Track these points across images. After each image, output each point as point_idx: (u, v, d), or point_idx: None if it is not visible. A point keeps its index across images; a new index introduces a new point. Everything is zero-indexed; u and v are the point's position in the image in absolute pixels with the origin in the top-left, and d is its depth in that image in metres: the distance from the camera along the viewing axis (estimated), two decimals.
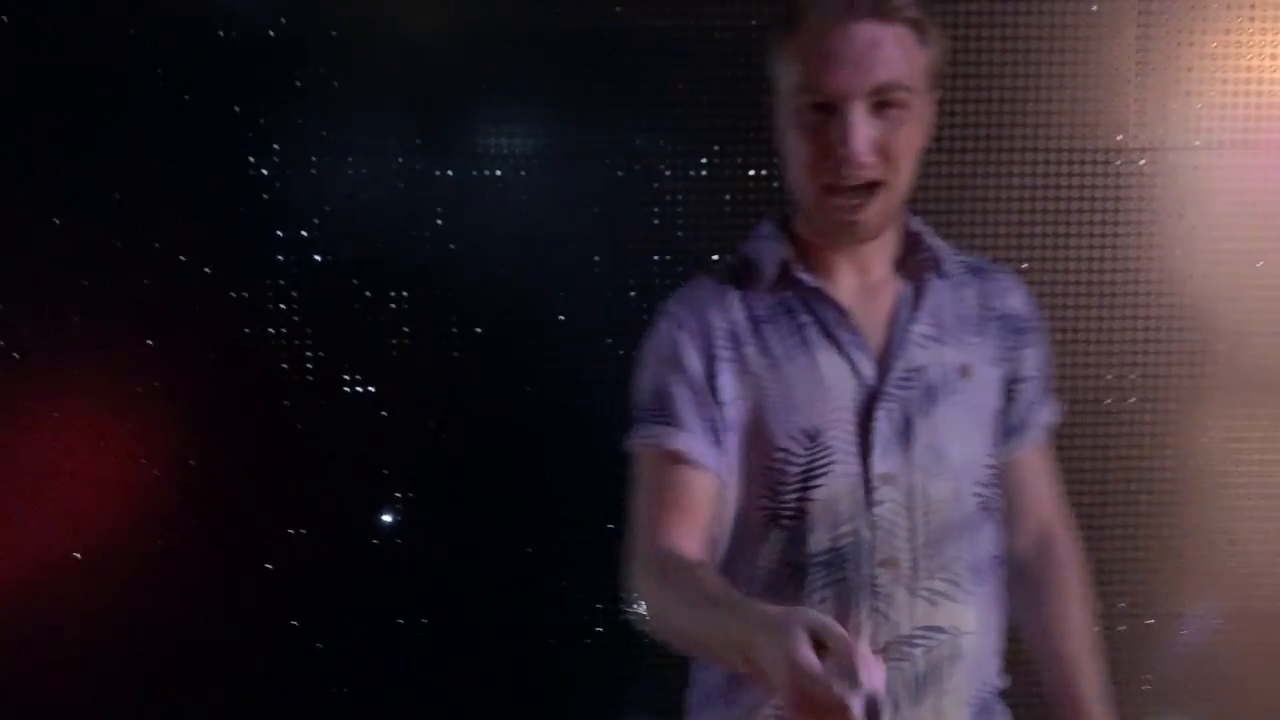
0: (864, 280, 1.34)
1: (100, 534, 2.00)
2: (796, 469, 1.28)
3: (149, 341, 1.96)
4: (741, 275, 1.36)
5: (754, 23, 1.91)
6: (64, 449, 1.98)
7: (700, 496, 1.28)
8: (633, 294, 1.97)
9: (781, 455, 1.28)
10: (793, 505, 1.28)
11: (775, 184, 1.94)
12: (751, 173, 1.95)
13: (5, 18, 1.88)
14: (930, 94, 1.27)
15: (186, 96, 1.91)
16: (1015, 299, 1.40)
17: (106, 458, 1.98)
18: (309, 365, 1.97)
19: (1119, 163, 1.96)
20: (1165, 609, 2.07)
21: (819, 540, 1.27)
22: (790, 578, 1.29)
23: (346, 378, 1.97)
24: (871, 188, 1.23)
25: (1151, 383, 2.01)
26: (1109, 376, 2.01)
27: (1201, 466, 2.04)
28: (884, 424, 1.28)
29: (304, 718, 2.07)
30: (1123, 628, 2.07)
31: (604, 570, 2.03)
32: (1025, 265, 1.98)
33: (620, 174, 1.95)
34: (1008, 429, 1.41)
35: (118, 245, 1.93)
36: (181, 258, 1.94)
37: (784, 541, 1.29)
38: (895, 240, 1.36)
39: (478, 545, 2.02)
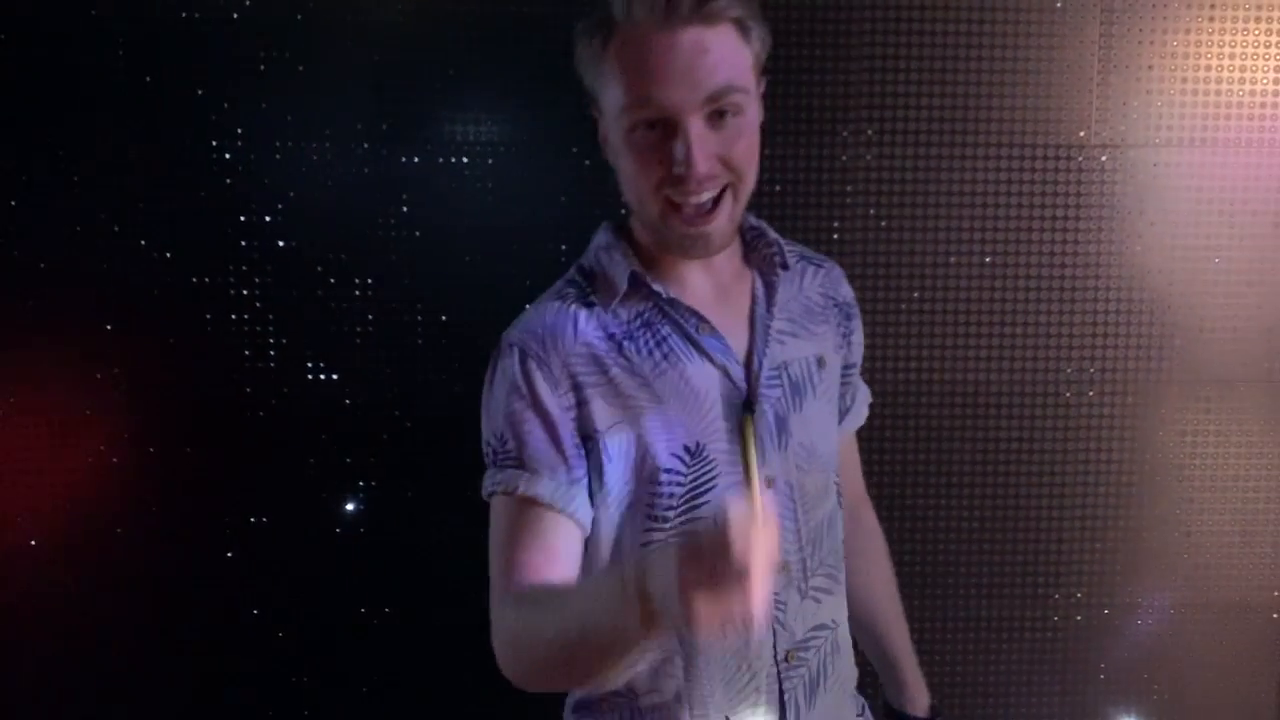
0: (716, 282, 1.29)
1: (58, 521, 1.98)
2: (682, 489, 1.21)
3: (108, 327, 1.93)
4: (588, 291, 1.28)
5: None
6: (20, 435, 1.95)
7: (559, 543, 1.19)
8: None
9: (667, 477, 1.21)
10: (680, 529, 1.21)
11: None
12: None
13: None
14: (759, 85, 1.20)
15: (148, 79, 1.88)
16: (844, 286, 1.43)
17: (64, 444, 1.96)
18: (271, 352, 1.95)
19: (1080, 159, 1.99)
20: (1121, 600, 2.11)
21: None
22: None
23: (309, 365, 1.96)
24: (718, 199, 1.17)
25: (1110, 376, 2.04)
26: (1068, 370, 2.04)
27: (1158, 459, 2.07)
28: (765, 421, 1.25)
29: (265, 707, 2.06)
30: (1079, 618, 2.10)
31: None
32: (988, 259, 2.00)
33: (588, 163, 1.94)
34: (840, 412, 1.44)
35: (77, 229, 1.90)
36: (142, 242, 1.91)
37: None
38: (739, 237, 1.34)
39: (441, 535, 2.02)
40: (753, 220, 1.35)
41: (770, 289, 1.31)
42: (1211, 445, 2.07)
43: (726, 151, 1.14)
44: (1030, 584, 2.09)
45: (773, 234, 1.34)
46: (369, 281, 1.95)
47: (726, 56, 1.12)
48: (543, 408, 1.21)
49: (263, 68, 1.89)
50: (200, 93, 1.89)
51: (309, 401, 1.96)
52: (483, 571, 2.03)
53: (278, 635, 2.03)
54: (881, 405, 1.99)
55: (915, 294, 2.00)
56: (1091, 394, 2.05)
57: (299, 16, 1.88)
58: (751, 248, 1.34)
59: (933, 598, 2.08)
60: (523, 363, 1.22)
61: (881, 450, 2.03)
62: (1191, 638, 2.12)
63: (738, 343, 1.27)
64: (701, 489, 1.22)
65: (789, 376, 1.28)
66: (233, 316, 1.94)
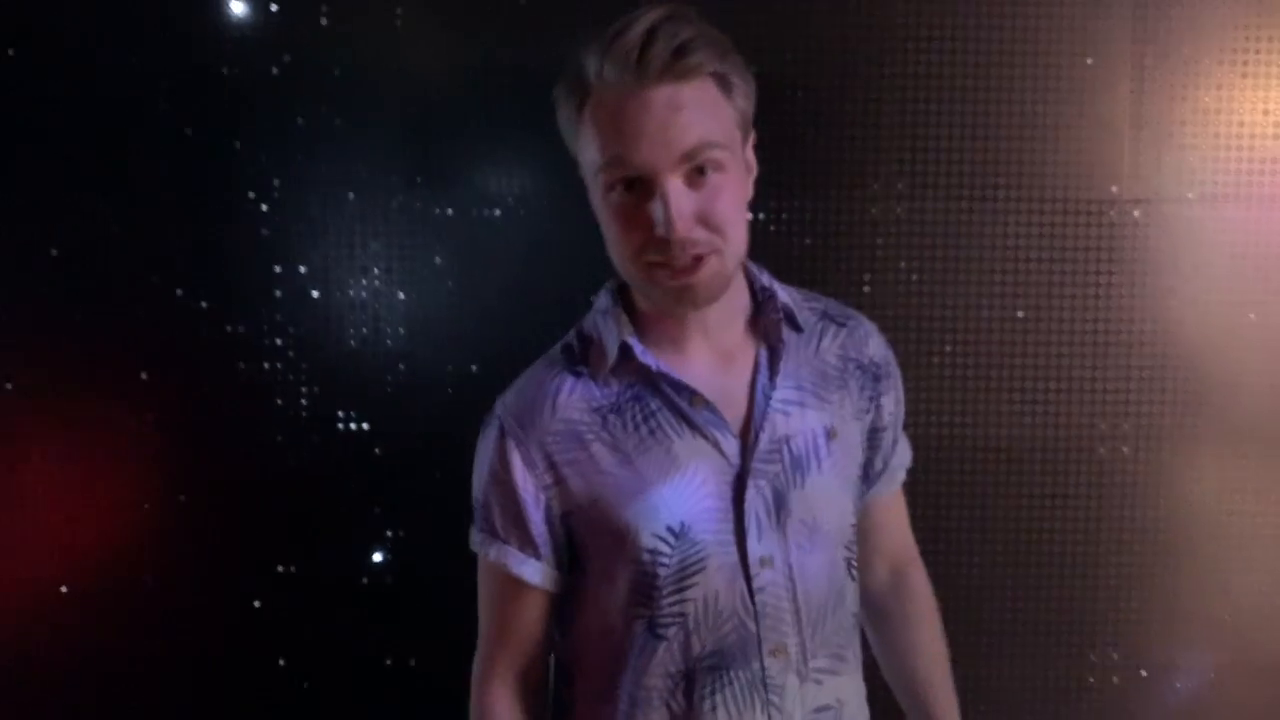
0: (715, 348, 1.24)
1: (89, 568, 1.99)
2: (668, 571, 1.18)
3: (142, 375, 1.95)
4: (582, 358, 1.26)
5: (755, 70, 1.93)
6: (55, 482, 1.96)
7: (525, 614, 1.26)
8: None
9: (650, 558, 1.18)
10: (670, 609, 1.19)
11: (772, 228, 1.95)
12: (749, 217, 1.95)
13: (10, 51, 1.89)
14: (747, 141, 1.18)
15: (188, 131, 1.91)
16: (873, 345, 1.34)
17: (98, 491, 1.97)
18: (303, 401, 1.96)
19: (1113, 214, 1.98)
20: (1159, 660, 2.06)
21: (703, 642, 1.19)
22: (676, 688, 1.20)
23: (340, 414, 1.97)
24: (699, 258, 1.13)
25: (1145, 432, 2.02)
26: (1102, 426, 2.01)
27: (1195, 517, 2.04)
28: (756, 503, 1.19)
29: None
30: (1115, 679, 2.06)
31: None
32: (1020, 313, 1.99)
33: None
34: (870, 476, 1.36)
35: (115, 279, 1.93)
36: (178, 291, 1.94)
37: (666, 651, 1.20)
38: (744, 299, 1.27)
39: (468, 587, 2.00)
40: (765, 281, 1.28)
41: (775, 356, 1.24)
42: (1250, 503, 2.04)
43: (707, 209, 1.11)
44: (1065, 644, 2.06)
45: (784, 296, 1.27)
46: (400, 332, 1.96)
47: (702, 112, 1.09)
48: (514, 487, 1.22)
49: (300, 121, 1.92)
50: (238, 145, 1.92)
51: (339, 451, 1.97)
52: None
53: (304, 685, 2.02)
54: (913, 459, 1.98)
55: (947, 348, 1.99)
56: (1126, 450, 2.02)
57: (336, 72, 1.91)
58: (760, 310, 1.28)
59: (965, 657, 2.04)
60: (501, 439, 1.24)
61: (913, 505, 2.00)
62: (1232, 700, 2.08)
63: (735, 414, 1.22)
64: (690, 570, 1.19)
65: (790, 450, 1.22)
66: (265, 365, 1.96)
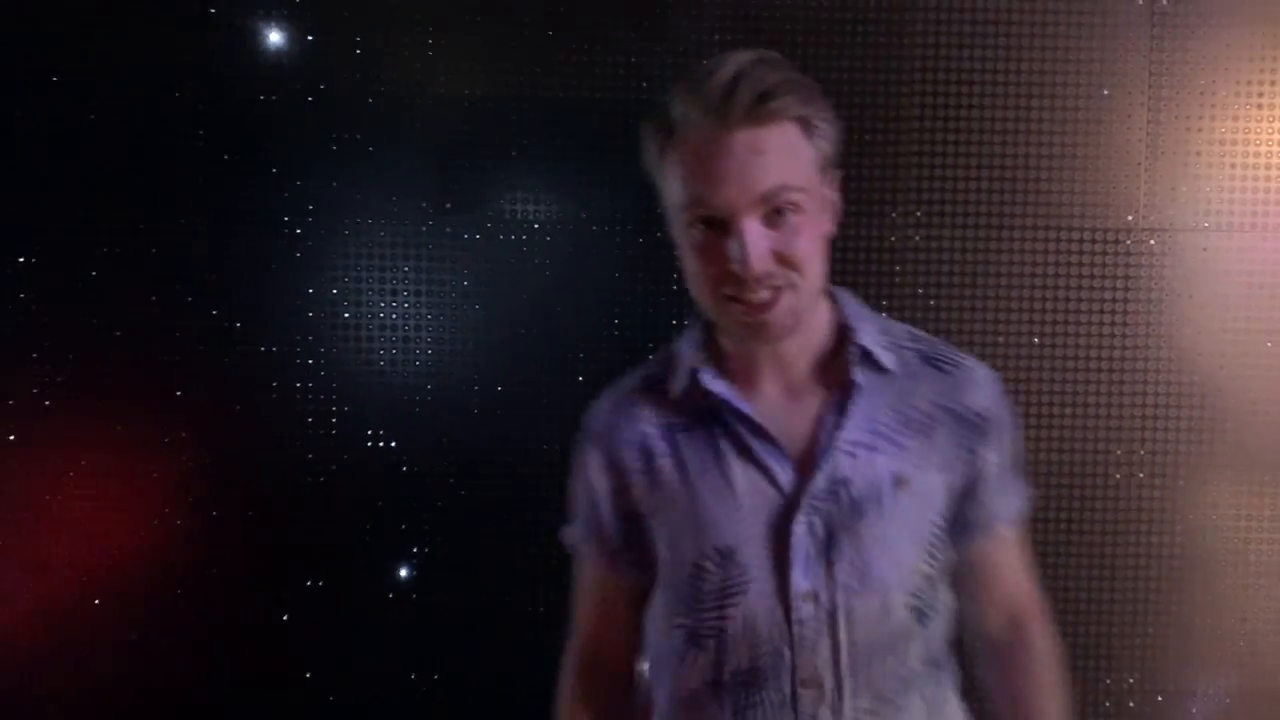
0: (787, 381, 1.24)
1: (121, 582, 2.03)
2: (712, 587, 1.21)
3: (177, 393, 2.00)
4: (662, 377, 1.28)
5: None
6: (90, 497, 2.01)
7: (600, 604, 1.35)
8: (650, 357, 2.01)
9: (695, 573, 1.22)
10: (711, 623, 1.22)
11: None
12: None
13: (55, 78, 1.95)
14: (828, 180, 1.18)
15: (225, 156, 1.97)
16: (978, 395, 1.25)
17: (132, 506, 2.02)
18: (333, 419, 2.01)
19: (1129, 242, 2.01)
20: (1175, 686, 2.07)
21: (738, 659, 1.21)
22: (712, 698, 1.23)
23: (369, 432, 2.01)
24: (775, 294, 1.14)
25: (1160, 460, 2.03)
26: (1118, 453, 2.03)
27: (1211, 544, 2.05)
28: (803, 538, 1.19)
29: None
30: (1132, 704, 2.07)
31: None
32: (1036, 340, 2.01)
33: (641, 240, 2.00)
34: (966, 525, 1.28)
35: (152, 299, 1.98)
36: (213, 311, 1.99)
37: (703, 660, 1.23)
38: (823, 335, 1.26)
39: (493, 602, 2.04)
40: (850, 317, 1.25)
41: (846, 393, 1.22)
42: (1266, 530, 2.05)
43: (785, 249, 1.13)
44: (1081, 669, 2.07)
45: (866, 335, 1.24)
46: (429, 353, 2.00)
47: (783, 156, 1.12)
48: (592, 487, 1.31)
49: (334, 146, 1.97)
50: (274, 170, 1.97)
51: (368, 468, 2.01)
52: (534, 642, 2.06)
53: (329, 699, 2.05)
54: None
55: None
56: (1141, 476, 2.04)
57: (369, 100, 1.96)
58: (838, 346, 1.25)
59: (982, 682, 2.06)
60: (586, 443, 1.32)
61: None
62: None
63: (798, 448, 1.20)
64: (731, 590, 1.21)
65: (850, 492, 1.20)
66: (297, 384, 2.00)
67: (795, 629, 1.19)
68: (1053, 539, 2.04)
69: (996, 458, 1.27)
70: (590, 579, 1.37)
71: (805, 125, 1.15)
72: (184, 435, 2.00)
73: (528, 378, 2.01)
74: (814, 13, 1.97)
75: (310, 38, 1.95)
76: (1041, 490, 2.04)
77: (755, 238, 1.11)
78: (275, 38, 1.95)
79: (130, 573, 2.03)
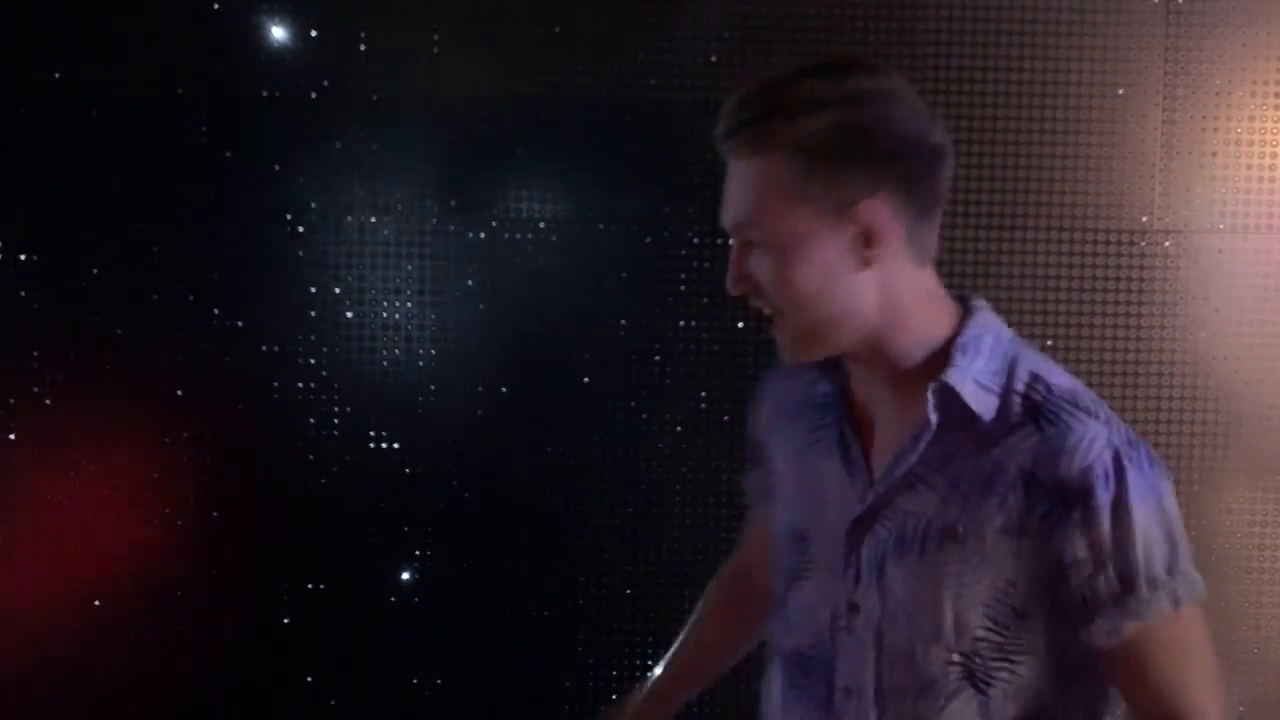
0: (877, 390, 1.20)
1: (122, 582, 2.01)
2: (786, 563, 1.25)
3: (178, 392, 1.98)
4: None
5: None
6: (91, 497, 2.00)
7: (760, 529, 1.41)
8: (657, 359, 1.99)
9: (774, 545, 1.29)
10: (782, 595, 1.26)
11: None
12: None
13: (56, 74, 1.94)
14: (830, 208, 1.10)
15: (228, 153, 1.95)
16: (1068, 464, 1.09)
17: (133, 507, 2.00)
18: (335, 420, 1.99)
19: (1144, 244, 1.98)
20: None
21: (795, 640, 1.23)
22: (778, 666, 1.27)
23: (371, 434, 1.99)
24: (775, 314, 1.15)
25: (1175, 464, 2.01)
26: None
27: (1225, 550, 2.03)
28: (869, 551, 1.16)
29: None
30: None
31: (621, 632, 2.03)
32: (1050, 342, 1.99)
33: (648, 240, 1.98)
34: (1070, 615, 1.14)
35: (154, 297, 1.97)
36: (215, 310, 1.97)
37: (774, 627, 1.29)
38: (920, 359, 1.17)
39: (495, 605, 2.02)
40: (963, 348, 1.14)
41: (921, 429, 1.15)
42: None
43: (756, 279, 1.13)
44: None
45: (963, 373, 1.13)
46: (432, 353, 1.99)
47: (752, 191, 1.10)
48: (751, 431, 1.40)
49: (338, 145, 1.95)
50: (277, 168, 1.96)
51: (369, 470, 2.00)
52: (537, 645, 2.04)
53: (330, 703, 2.04)
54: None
55: None
56: None
57: (374, 97, 1.95)
58: (924, 382, 1.17)
59: None
60: (756, 395, 1.40)
61: None
62: None
63: (880, 461, 1.18)
64: (798, 573, 1.22)
65: (899, 526, 1.16)
66: (299, 384, 1.98)
67: (838, 636, 1.19)
68: None
69: (1086, 543, 1.09)
70: (751, 509, 1.46)
71: (793, 156, 1.09)
72: (185, 435, 1.99)
73: (532, 379, 1.99)
74: (824, 10, 1.94)
75: (314, 34, 1.94)
76: None
77: (731, 261, 1.15)
78: (278, 34, 1.94)
79: (131, 573, 2.01)
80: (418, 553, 2.01)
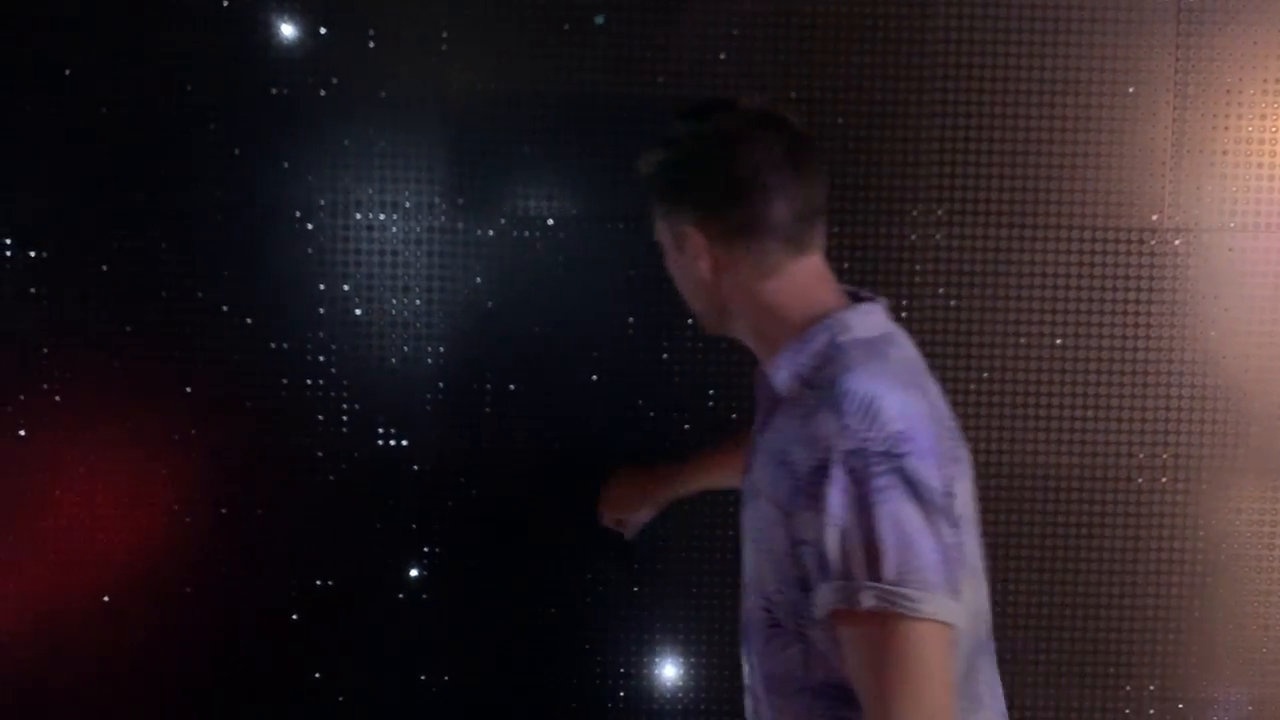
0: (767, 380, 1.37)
1: (131, 579, 2.02)
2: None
3: (187, 389, 1.99)
4: None
5: (793, 95, 1.95)
6: (100, 494, 2.00)
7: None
8: (665, 356, 1.99)
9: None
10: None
11: None
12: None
13: (67, 70, 1.94)
14: (679, 243, 1.34)
15: (237, 150, 1.95)
16: (808, 455, 1.18)
17: (140, 503, 2.00)
18: (344, 417, 1.99)
19: (1154, 242, 1.97)
20: (1196, 695, 2.04)
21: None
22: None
23: (380, 431, 1.99)
24: None
25: (1183, 463, 2.00)
26: (1140, 456, 2.00)
27: (1234, 550, 2.02)
28: (742, 520, 1.38)
29: None
30: (1152, 712, 2.04)
31: (629, 630, 2.03)
32: (1059, 341, 1.98)
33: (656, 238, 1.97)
34: (802, 582, 1.22)
35: (163, 295, 1.97)
36: (225, 308, 1.97)
37: None
38: (765, 354, 1.33)
39: (503, 602, 2.02)
40: (797, 342, 1.28)
41: (766, 409, 1.36)
42: None
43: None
44: (1101, 675, 2.04)
45: (777, 360, 1.29)
46: (440, 350, 1.99)
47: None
48: None
49: (345, 142, 1.95)
50: (286, 166, 1.95)
51: (378, 467, 2.00)
52: (545, 643, 2.04)
53: (338, 699, 2.04)
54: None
55: (985, 374, 1.99)
56: (1164, 480, 2.01)
57: (381, 94, 1.95)
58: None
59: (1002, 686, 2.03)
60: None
61: None
62: None
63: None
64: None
65: (747, 486, 1.35)
66: (308, 381, 1.98)
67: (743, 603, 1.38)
68: (1073, 542, 2.02)
69: (811, 530, 1.17)
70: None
71: (647, 186, 1.39)
72: (193, 432, 1.99)
73: (541, 376, 1.99)
74: (833, 7, 1.94)
75: (323, 31, 1.94)
76: (1063, 493, 2.01)
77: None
78: (287, 31, 1.93)
79: (139, 570, 2.02)
80: (426, 549, 2.01)
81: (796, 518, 1.19)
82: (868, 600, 1.13)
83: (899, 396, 1.19)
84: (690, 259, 1.33)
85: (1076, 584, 2.02)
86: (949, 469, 1.20)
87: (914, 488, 1.15)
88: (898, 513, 1.13)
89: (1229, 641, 2.04)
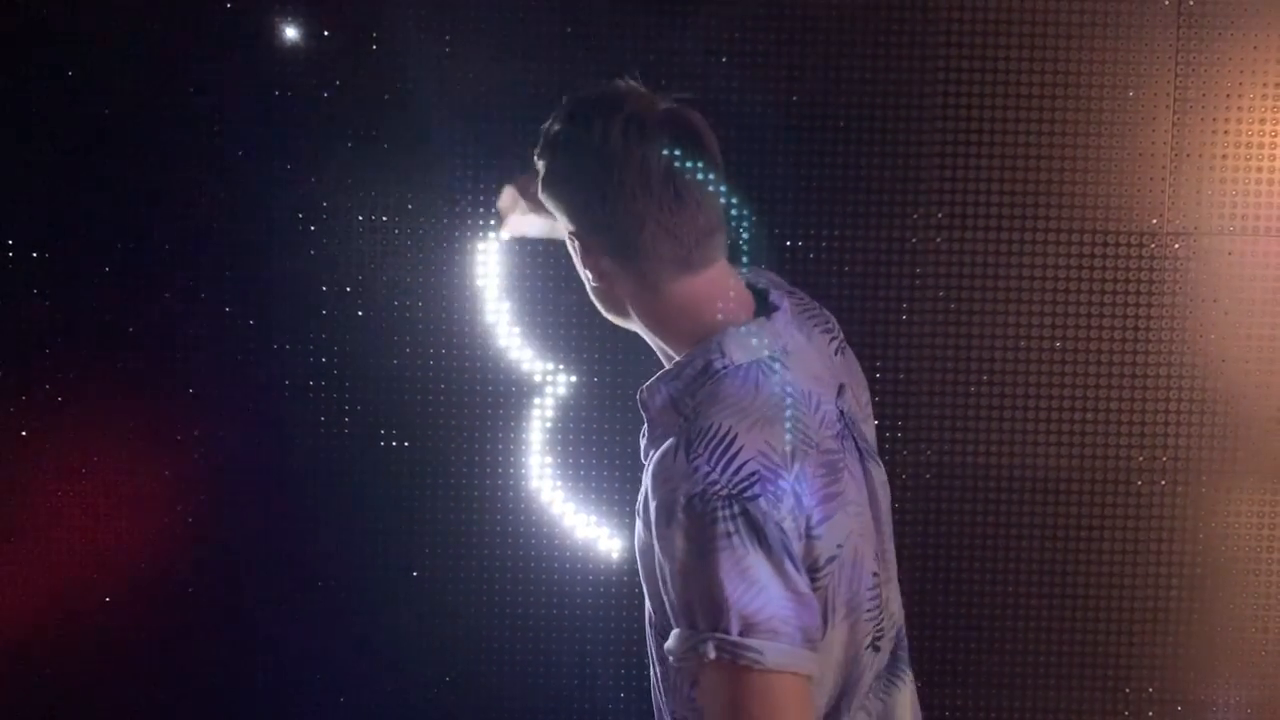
0: None
1: (131, 580, 2.03)
2: None
3: (190, 390, 1.99)
4: None
5: (795, 99, 1.95)
6: (102, 494, 2.01)
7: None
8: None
9: None
10: None
11: (811, 255, 1.97)
12: (789, 244, 1.98)
13: (70, 72, 1.94)
14: (571, 244, 1.25)
15: (241, 153, 1.96)
16: (650, 492, 1.15)
17: (142, 505, 2.01)
18: (346, 419, 2.00)
19: (1153, 246, 1.98)
20: (1195, 697, 2.05)
21: None
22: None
23: (382, 432, 2.00)
24: None
25: (1183, 466, 2.01)
26: (1140, 458, 2.01)
27: (1233, 552, 2.03)
28: None
29: None
30: (1151, 714, 2.05)
31: (629, 631, 2.03)
32: (1059, 344, 1.99)
33: None
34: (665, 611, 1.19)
35: (166, 295, 1.97)
36: (227, 309, 1.98)
37: None
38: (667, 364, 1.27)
39: (504, 605, 2.03)
40: (672, 368, 1.23)
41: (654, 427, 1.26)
42: None
43: None
44: (1100, 677, 2.04)
45: (659, 389, 1.22)
46: (442, 352, 1.99)
47: None
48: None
49: (349, 145, 1.96)
50: (289, 167, 1.96)
51: (379, 469, 2.00)
52: (545, 646, 2.04)
53: (339, 700, 2.04)
54: (949, 490, 1.98)
55: (985, 377, 1.99)
56: (1164, 483, 2.02)
57: (386, 96, 1.95)
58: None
59: (999, 688, 2.04)
60: None
61: (949, 534, 2.02)
62: None
63: None
64: None
65: None
66: (310, 383, 1.99)
67: None
68: (1073, 544, 2.02)
69: (656, 568, 1.14)
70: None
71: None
72: (196, 433, 1.99)
73: (544, 379, 1.99)
74: (835, 10, 1.95)
75: (325, 34, 1.94)
76: (1062, 495, 2.02)
77: None
78: (290, 34, 1.94)
79: (140, 572, 2.02)
80: (427, 551, 2.02)
81: (646, 552, 1.16)
82: (711, 652, 1.07)
83: (759, 434, 1.12)
84: (578, 264, 1.26)
85: (1076, 586, 2.03)
86: (815, 508, 1.13)
87: (760, 534, 1.08)
88: (743, 561, 1.07)
89: (1228, 644, 2.05)
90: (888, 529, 1.27)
